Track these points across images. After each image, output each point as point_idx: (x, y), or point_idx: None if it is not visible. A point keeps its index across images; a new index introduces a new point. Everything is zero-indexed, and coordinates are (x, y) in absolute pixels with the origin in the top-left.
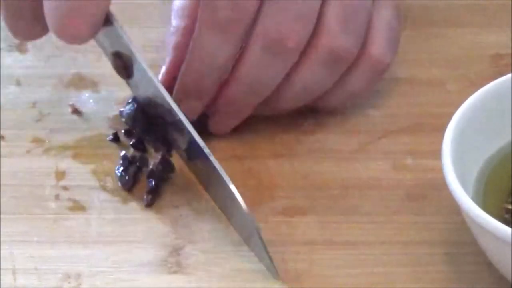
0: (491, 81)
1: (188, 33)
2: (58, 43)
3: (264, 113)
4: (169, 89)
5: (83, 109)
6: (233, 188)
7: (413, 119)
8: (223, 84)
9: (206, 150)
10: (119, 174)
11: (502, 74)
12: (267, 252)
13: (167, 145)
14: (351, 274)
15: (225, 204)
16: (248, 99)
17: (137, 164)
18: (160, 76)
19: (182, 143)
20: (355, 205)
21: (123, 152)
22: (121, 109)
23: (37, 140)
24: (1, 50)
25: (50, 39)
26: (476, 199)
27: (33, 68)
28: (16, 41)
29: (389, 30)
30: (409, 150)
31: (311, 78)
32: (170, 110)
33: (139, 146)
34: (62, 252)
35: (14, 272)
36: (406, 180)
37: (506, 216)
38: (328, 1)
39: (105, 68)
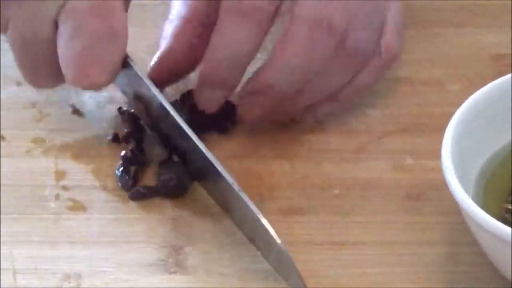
0: (491, 81)
1: (189, 22)
2: None
3: (282, 117)
4: (159, 79)
5: (83, 109)
6: (265, 222)
7: (413, 119)
8: (260, 70)
9: (235, 187)
10: (119, 174)
11: (502, 74)
12: (300, 277)
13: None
14: (351, 274)
15: (248, 228)
16: (287, 86)
17: (137, 162)
18: (151, 64)
19: (207, 181)
20: (355, 205)
21: (123, 152)
22: (120, 108)
23: (37, 140)
24: (1, 50)
25: None
26: (476, 199)
27: None
28: None
29: (397, 22)
30: (409, 150)
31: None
32: (194, 147)
33: (137, 149)
34: (62, 252)
35: (14, 272)
36: (406, 180)
37: (506, 216)
38: None
39: None
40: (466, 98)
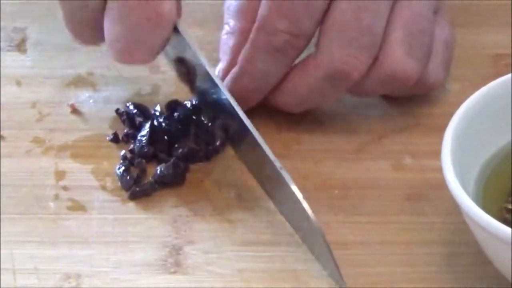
0: (491, 81)
1: (247, 36)
2: (58, 43)
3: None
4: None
5: (83, 109)
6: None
7: (413, 119)
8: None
9: (277, 164)
10: (119, 174)
11: (502, 74)
12: (333, 258)
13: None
14: (351, 274)
15: (287, 207)
16: (293, 109)
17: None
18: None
19: (241, 143)
20: (355, 205)
21: (123, 152)
22: (118, 109)
23: (37, 140)
24: (1, 50)
25: (50, 39)
26: (476, 199)
27: (33, 68)
28: (16, 41)
29: (446, 50)
30: (409, 150)
31: (368, 93)
32: (232, 110)
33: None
34: (62, 252)
35: (14, 272)
36: (406, 180)
37: (506, 216)
38: (392, 25)
39: (105, 68)
40: (466, 98)
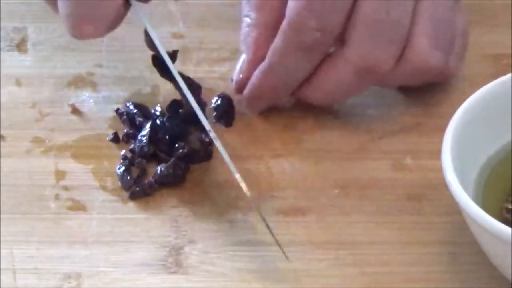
0: (491, 81)
1: (270, 28)
2: (58, 43)
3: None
4: (244, 85)
5: (83, 109)
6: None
7: (413, 119)
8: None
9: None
10: (120, 173)
11: (502, 74)
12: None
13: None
14: (351, 274)
15: None
16: (320, 102)
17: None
18: (237, 72)
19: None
20: (355, 205)
21: (123, 152)
22: (118, 108)
23: (37, 140)
24: (1, 50)
25: (50, 39)
26: (476, 199)
27: (33, 68)
28: (16, 41)
29: (464, 38)
30: (409, 150)
31: (394, 84)
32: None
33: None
34: (62, 252)
35: (14, 272)
36: (406, 180)
37: (506, 216)
38: (417, 16)
39: (105, 68)
40: (466, 98)
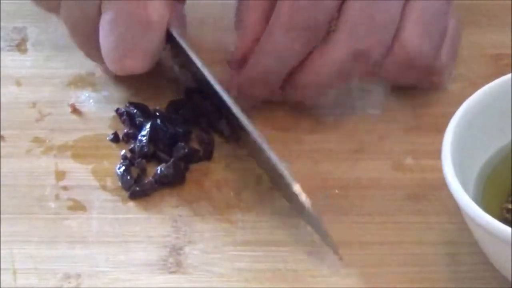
0: (491, 81)
1: (266, 9)
2: (58, 43)
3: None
4: (239, 65)
5: (83, 109)
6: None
7: (413, 119)
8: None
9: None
10: (120, 173)
11: (502, 74)
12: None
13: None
14: (351, 274)
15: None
16: (312, 95)
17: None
18: (235, 52)
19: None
20: (355, 205)
21: (123, 152)
22: (118, 108)
23: (37, 140)
24: (1, 50)
25: (50, 39)
26: (476, 199)
27: (33, 68)
28: (16, 41)
29: (456, 34)
30: (409, 150)
31: (387, 76)
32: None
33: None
34: (62, 252)
35: (14, 272)
36: (406, 180)
37: (506, 216)
38: (409, 6)
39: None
40: (466, 98)
